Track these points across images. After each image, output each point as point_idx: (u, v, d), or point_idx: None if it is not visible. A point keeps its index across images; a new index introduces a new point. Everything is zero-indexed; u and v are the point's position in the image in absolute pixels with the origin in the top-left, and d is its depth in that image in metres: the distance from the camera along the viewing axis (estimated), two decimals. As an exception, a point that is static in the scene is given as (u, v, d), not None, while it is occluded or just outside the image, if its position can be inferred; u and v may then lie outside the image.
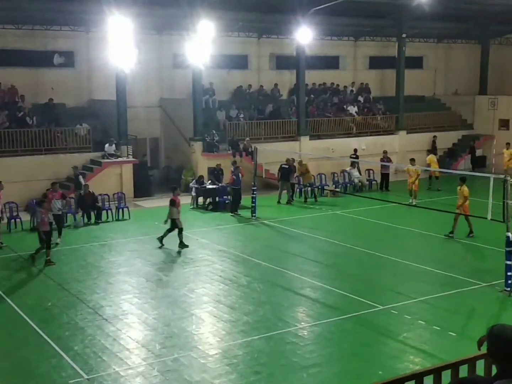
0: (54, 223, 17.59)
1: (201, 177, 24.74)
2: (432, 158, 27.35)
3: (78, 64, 27.96)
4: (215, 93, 29.84)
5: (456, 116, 35.82)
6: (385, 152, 27.95)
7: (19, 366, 10.60)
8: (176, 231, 18.02)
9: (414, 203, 22.78)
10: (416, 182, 23.63)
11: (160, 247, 18.00)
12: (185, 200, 24.62)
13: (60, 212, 18.54)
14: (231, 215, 22.52)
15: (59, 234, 18.48)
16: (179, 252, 17.75)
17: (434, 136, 33.28)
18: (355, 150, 28.54)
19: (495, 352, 3.90)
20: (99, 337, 11.58)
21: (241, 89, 31.29)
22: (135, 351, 11.00)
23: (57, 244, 17.96)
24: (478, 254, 17.51)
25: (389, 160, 28.10)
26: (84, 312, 12.95)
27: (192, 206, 24.06)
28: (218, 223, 21.54)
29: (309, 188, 25.43)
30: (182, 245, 18.00)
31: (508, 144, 29.95)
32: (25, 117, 25.06)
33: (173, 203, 18.13)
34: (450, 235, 18.58)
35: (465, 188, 18.24)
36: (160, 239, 18.13)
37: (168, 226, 18.17)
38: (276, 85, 32.22)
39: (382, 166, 27.01)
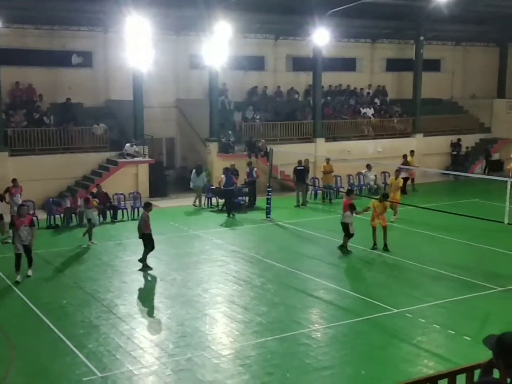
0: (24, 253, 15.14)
1: (200, 166, 24.77)
2: (413, 159, 27.37)
3: (96, 64, 28.13)
4: (227, 93, 29.84)
5: (474, 119, 35.61)
6: (405, 156, 27.53)
7: (33, 363, 10.67)
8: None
9: (394, 220, 21.13)
10: (398, 196, 21.52)
11: (346, 254, 17.50)
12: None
13: (27, 242, 15.11)
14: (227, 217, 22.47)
15: (29, 265, 15.41)
16: (193, 253, 17.80)
17: (458, 139, 32.88)
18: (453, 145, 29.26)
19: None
20: (113, 336, 11.63)
21: (256, 89, 31.30)
22: (148, 350, 11.04)
23: (28, 276, 15.28)
24: (494, 258, 17.35)
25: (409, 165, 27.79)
26: (98, 311, 13.03)
27: (200, 206, 24.09)
28: (232, 224, 21.56)
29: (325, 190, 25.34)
30: (342, 249, 17.59)
31: None
32: (42, 116, 25.27)
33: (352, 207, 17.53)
34: (375, 246, 17.90)
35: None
36: (342, 248, 17.60)
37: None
38: (292, 87, 32.19)
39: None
